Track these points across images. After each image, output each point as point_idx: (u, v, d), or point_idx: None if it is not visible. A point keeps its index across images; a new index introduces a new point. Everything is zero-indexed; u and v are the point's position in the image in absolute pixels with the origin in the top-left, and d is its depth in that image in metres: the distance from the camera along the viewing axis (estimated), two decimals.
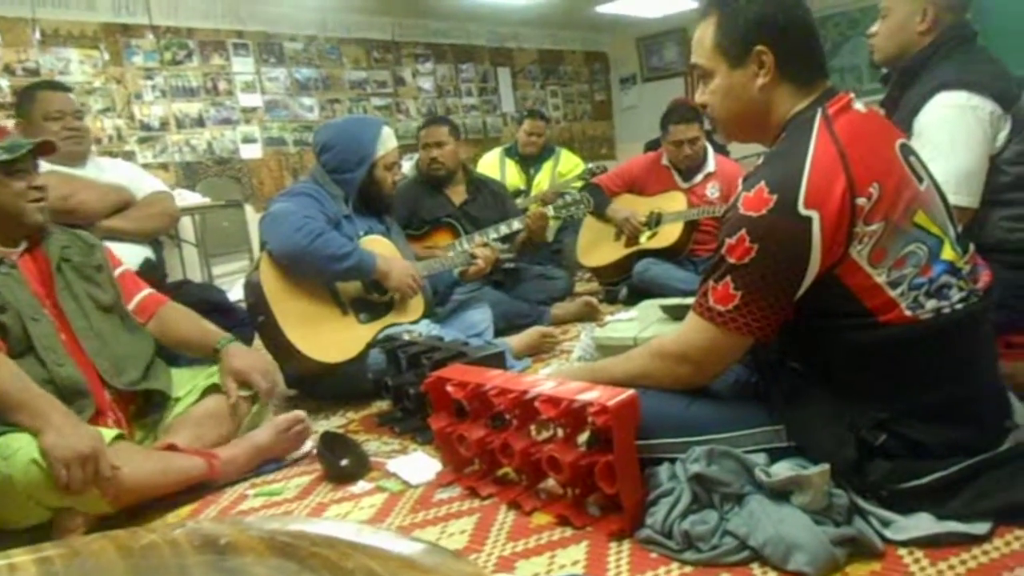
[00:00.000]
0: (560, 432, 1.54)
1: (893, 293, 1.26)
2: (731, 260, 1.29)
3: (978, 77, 1.79)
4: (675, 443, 1.42)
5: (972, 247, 1.40)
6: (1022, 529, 1.25)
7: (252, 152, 6.65)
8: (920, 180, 1.34)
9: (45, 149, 1.88)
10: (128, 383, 1.88)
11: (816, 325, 1.32)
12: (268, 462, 1.95)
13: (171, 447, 1.82)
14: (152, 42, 6.04)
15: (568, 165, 4.41)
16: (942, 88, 1.79)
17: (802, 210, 1.22)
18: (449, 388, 1.68)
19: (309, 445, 2.02)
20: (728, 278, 1.30)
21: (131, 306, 2.03)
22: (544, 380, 1.63)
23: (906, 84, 1.93)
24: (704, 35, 1.39)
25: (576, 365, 1.75)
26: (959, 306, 1.29)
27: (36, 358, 1.73)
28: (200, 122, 6.32)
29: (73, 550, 0.71)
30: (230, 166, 6.53)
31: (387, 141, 2.57)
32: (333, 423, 2.30)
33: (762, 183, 1.26)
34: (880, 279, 1.26)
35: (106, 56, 5.75)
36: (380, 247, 2.54)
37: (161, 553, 0.67)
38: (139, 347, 1.96)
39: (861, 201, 1.23)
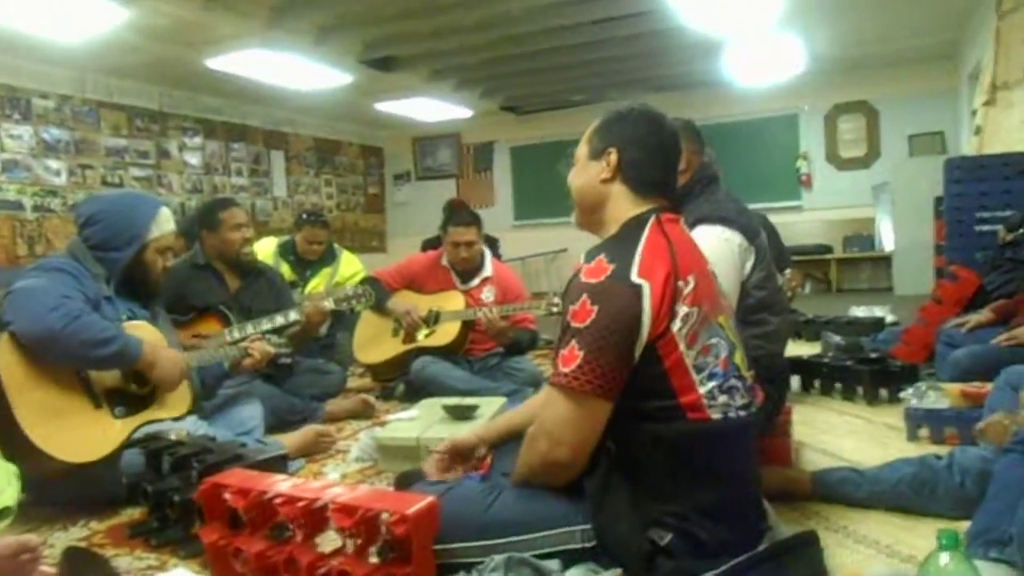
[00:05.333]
0: (351, 544, 1.47)
1: (696, 377, 1.39)
2: (575, 324, 1.38)
3: (728, 213, 2.07)
4: (473, 547, 1.42)
5: (752, 370, 1.57)
6: None
7: None
8: (723, 296, 1.54)
9: None
10: None
11: (626, 407, 1.40)
12: None
13: None
14: None
15: (348, 271, 4.30)
16: (700, 222, 2.04)
17: (635, 278, 1.36)
18: (228, 496, 1.55)
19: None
20: (573, 341, 1.37)
21: None
22: (332, 486, 1.56)
23: None
24: (589, 128, 1.62)
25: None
26: (742, 412, 1.44)
27: None
28: None
29: None
30: None
31: (163, 223, 2.39)
32: (73, 535, 2.01)
33: (602, 255, 1.41)
34: (689, 360, 1.39)
35: None
36: (145, 333, 2.31)
37: None
38: None
39: (681, 284, 1.39)
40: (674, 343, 1.37)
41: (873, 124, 8.41)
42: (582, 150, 1.62)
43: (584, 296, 1.38)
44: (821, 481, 1.99)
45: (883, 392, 3.08)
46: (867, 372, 3.11)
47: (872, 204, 8.22)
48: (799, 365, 3.41)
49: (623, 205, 1.53)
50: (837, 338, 4.05)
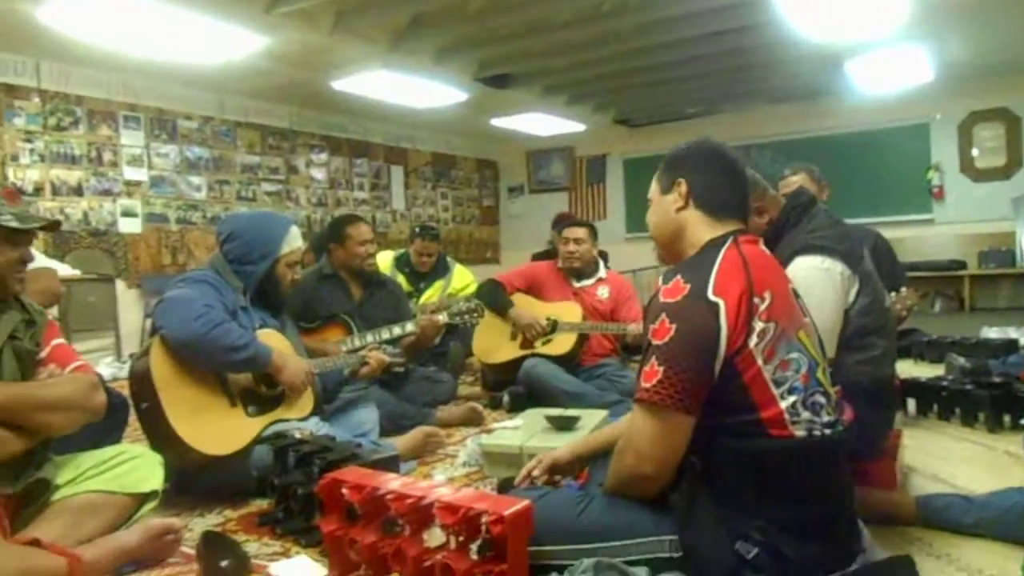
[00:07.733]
0: (453, 540, 1.57)
1: (776, 391, 1.42)
2: (655, 342, 1.44)
3: (827, 242, 2.03)
4: (565, 551, 1.49)
5: (838, 386, 1.58)
6: None
7: (131, 226, 6.46)
8: (804, 314, 1.56)
9: (51, 227, 1.90)
10: (14, 486, 1.77)
11: (709, 423, 1.44)
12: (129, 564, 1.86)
13: (34, 541, 1.71)
14: (37, 105, 5.87)
15: (460, 283, 4.51)
16: (798, 254, 2.01)
17: (711, 296, 1.42)
18: (345, 491, 1.70)
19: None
20: (653, 358, 1.44)
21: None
22: (438, 486, 1.68)
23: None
24: (656, 172, 1.71)
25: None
26: (828, 430, 1.45)
27: None
28: (78, 191, 6.11)
29: None
30: (105, 239, 6.29)
31: (293, 240, 2.62)
32: (209, 521, 2.22)
33: (678, 276, 1.47)
34: (768, 375, 1.42)
35: None
36: (275, 341, 2.53)
37: None
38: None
39: (757, 300, 1.43)
40: (752, 358, 1.41)
41: (1014, 132, 7.89)
42: (653, 189, 1.70)
43: (663, 315, 1.43)
44: (926, 506, 1.94)
45: (1007, 418, 2.94)
46: (988, 397, 2.96)
47: (1012, 217, 7.72)
48: (915, 388, 3.29)
49: (700, 230, 1.59)
50: (962, 360, 3.87)
